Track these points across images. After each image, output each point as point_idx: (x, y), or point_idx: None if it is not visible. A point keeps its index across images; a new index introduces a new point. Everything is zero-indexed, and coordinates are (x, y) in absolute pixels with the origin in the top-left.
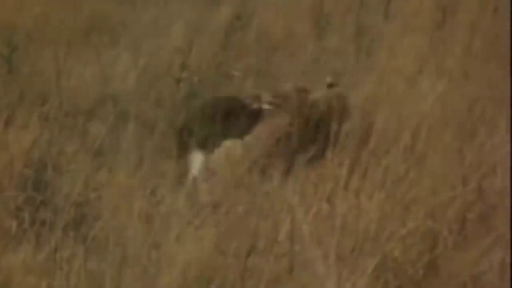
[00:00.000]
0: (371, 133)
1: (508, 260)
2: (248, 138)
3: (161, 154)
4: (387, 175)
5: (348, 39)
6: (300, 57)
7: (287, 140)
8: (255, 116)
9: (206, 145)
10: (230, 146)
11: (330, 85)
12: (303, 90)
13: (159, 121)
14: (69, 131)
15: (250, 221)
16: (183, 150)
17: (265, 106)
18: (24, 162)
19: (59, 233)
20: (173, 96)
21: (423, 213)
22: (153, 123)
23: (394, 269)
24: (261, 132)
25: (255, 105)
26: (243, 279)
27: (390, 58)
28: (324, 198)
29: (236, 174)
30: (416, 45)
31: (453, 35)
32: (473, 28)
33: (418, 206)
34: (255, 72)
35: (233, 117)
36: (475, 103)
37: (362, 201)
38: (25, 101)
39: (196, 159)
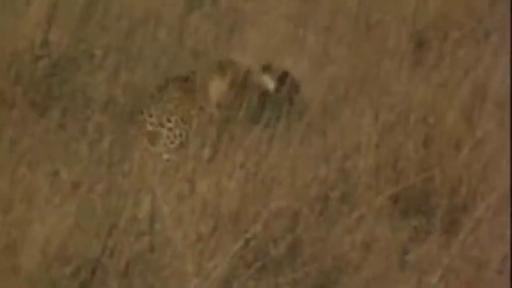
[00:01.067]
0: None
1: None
2: None
3: (20, 131)
4: (248, 155)
5: (210, 19)
6: (161, 36)
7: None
8: None
9: None
10: None
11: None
12: None
13: (18, 99)
14: None
15: (111, 200)
16: None
17: None
18: None
19: None
20: (32, 73)
21: (284, 193)
22: (12, 101)
23: (257, 249)
24: None
25: None
26: (104, 258)
27: (251, 38)
28: (185, 177)
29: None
30: (277, 25)
31: (314, 15)
32: (336, 8)
33: (279, 186)
34: (116, 51)
35: None
36: (338, 84)
37: (223, 181)
38: None
39: None
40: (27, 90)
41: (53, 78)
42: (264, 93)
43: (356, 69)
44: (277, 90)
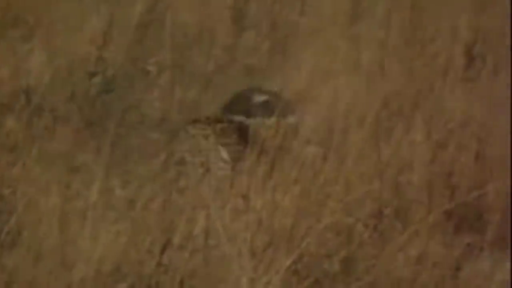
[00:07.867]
0: (288, 129)
1: None
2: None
3: (75, 148)
4: (303, 170)
5: (263, 35)
6: (215, 53)
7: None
8: None
9: None
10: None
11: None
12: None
13: (73, 115)
14: None
15: (165, 216)
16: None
17: None
18: None
19: None
20: (87, 90)
21: (339, 209)
22: (66, 117)
23: (310, 265)
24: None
25: None
26: (158, 274)
27: (306, 54)
28: (239, 193)
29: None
30: (332, 40)
31: (369, 30)
32: (389, 23)
33: (333, 201)
34: (170, 68)
35: None
36: (392, 99)
37: (277, 197)
38: None
39: None
40: (81, 107)
41: (108, 94)
42: None
43: (410, 84)
44: None
